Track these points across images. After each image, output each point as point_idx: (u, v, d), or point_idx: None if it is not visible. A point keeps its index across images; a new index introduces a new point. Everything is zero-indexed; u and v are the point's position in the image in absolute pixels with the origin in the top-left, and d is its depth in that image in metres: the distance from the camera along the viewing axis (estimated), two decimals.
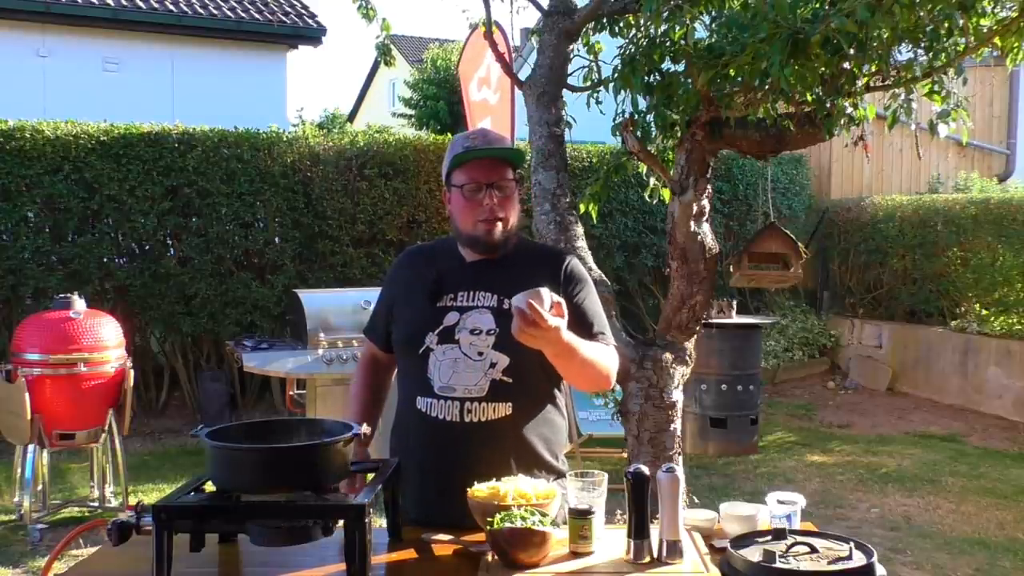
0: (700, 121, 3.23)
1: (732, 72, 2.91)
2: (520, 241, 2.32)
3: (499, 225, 2.18)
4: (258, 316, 7.52)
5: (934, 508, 5.52)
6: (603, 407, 5.21)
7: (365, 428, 1.90)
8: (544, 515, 1.86)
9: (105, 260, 7.14)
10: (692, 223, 3.39)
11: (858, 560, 1.69)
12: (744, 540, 1.80)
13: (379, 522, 2.11)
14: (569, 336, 1.96)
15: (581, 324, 2.16)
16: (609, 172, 3.98)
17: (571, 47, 3.81)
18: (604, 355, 2.17)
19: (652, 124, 3.34)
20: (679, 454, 3.58)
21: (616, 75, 3.23)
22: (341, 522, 1.71)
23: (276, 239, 7.72)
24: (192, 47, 12.10)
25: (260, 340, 6.34)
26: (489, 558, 1.85)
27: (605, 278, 3.69)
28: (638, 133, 3.38)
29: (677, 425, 3.56)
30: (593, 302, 2.26)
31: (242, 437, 1.89)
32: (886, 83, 3.07)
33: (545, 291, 1.88)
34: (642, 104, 3.27)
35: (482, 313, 2.16)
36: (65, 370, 4.79)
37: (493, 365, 2.12)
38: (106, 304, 6.62)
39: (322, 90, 76.68)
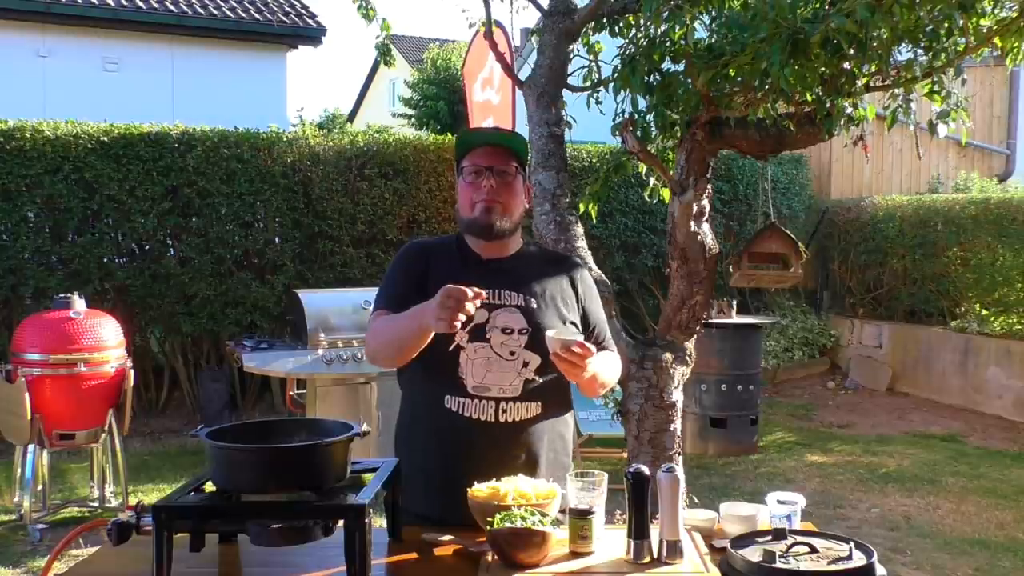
0: (700, 121, 3.23)
1: (732, 72, 2.91)
2: (528, 241, 2.37)
3: (497, 208, 2.18)
4: (258, 316, 7.52)
5: (934, 508, 5.52)
6: (603, 407, 5.21)
7: (365, 427, 1.90)
8: (544, 515, 1.86)
9: (105, 260, 7.14)
10: (692, 223, 3.39)
11: (858, 560, 1.69)
12: (744, 540, 1.81)
13: (379, 522, 2.11)
14: (596, 367, 2.11)
15: (588, 334, 2.25)
16: (609, 172, 3.98)
17: (571, 47, 3.81)
18: (614, 369, 2.32)
19: (652, 124, 3.34)
20: (679, 454, 3.58)
21: (616, 75, 3.23)
22: (341, 522, 1.71)
23: (276, 239, 7.72)
24: (192, 47, 12.11)
25: (260, 340, 6.34)
26: (489, 558, 1.85)
27: (605, 278, 3.69)
28: (638, 133, 3.38)
29: (677, 425, 3.56)
30: (600, 312, 2.35)
31: (242, 437, 1.89)
32: (886, 83, 3.07)
33: (580, 337, 2.06)
34: (642, 104, 3.28)
35: (511, 312, 2.16)
36: (65, 370, 4.79)
37: (526, 364, 2.14)
38: (106, 304, 6.62)
39: (322, 90, 76.74)
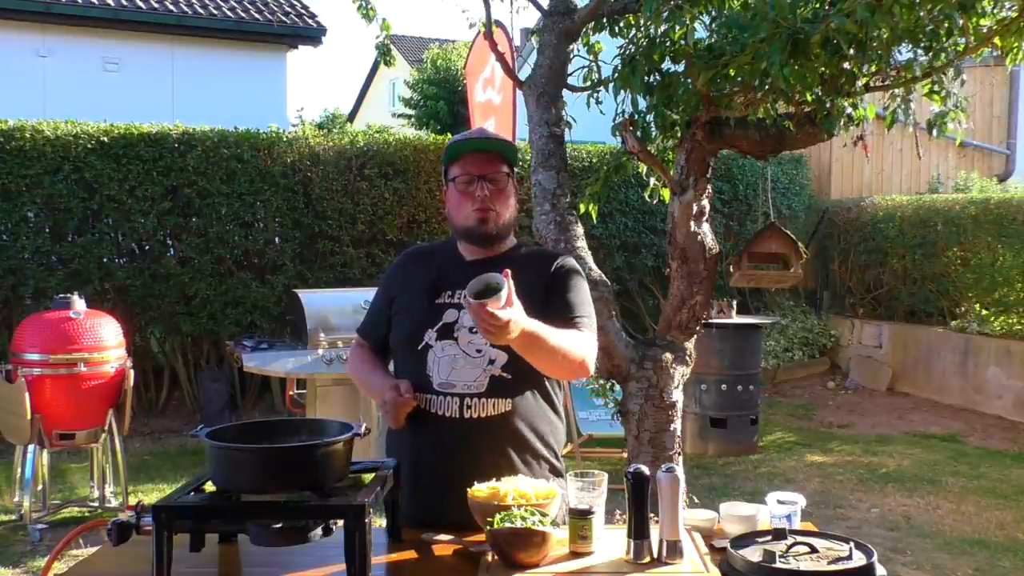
0: (700, 121, 3.23)
1: (732, 72, 2.91)
2: (520, 242, 2.35)
3: (491, 216, 2.20)
4: (258, 316, 7.52)
5: (934, 508, 5.52)
6: (603, 407, 5.22)
7: (365, 427, 1.90)
8: (544, 515, 1.86)
9: (105, 260, 7.14)
10: (692, 223, 3.39)
11: (858, 560, 1.69)
12: (744, 540, 1.81)
13: (379, 522, 2.11)
14: (531, 325, 1.94)
15: (559, 313, 2.15)
16: (609, 172, 3.98)
17: (571, 47, 3.81)
18: (574, 341, 2.12)
19: (652, 124, 3.34)
20: (679, 454, 3.58)
21: (616, 75, 3.23)
22: (341, 522, 1.71)
23: (276, 239, 7.72)
24: (192, 47, 12.11)
25: (260, 340, 6.34)
26: (489, 558, 1.85)
27: (605, 278, 3.69)
28: (638, 133, 3.39)
29: (677, 425, 3.56)
30: (577, 295, 2.23)
31: (242, 437, 1.89)
32: (886, 83, 3.07)
33: (504, 285, 1.84)
34: (642, 104, 3.28)
35: None
36: (65, 370, 4.79)
37: (492, 361, 2.14)
38: (106, 304, 6.62)
39: (322, 90, 76.73)
